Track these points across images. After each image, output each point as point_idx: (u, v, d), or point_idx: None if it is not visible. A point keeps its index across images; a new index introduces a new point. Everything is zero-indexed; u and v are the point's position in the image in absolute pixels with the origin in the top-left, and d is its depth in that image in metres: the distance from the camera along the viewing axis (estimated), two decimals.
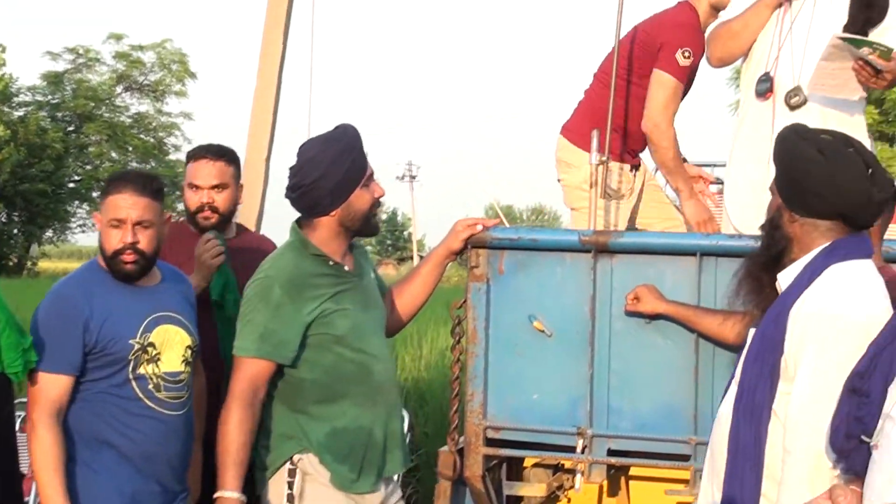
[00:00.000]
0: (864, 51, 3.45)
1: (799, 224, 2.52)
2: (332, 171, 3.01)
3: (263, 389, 2.96)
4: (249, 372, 2.94)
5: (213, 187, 3.51)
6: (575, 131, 4.16)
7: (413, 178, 57.63)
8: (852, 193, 2.46)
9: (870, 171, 2.48)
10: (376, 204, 3.12)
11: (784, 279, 2.53)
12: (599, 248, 3.22)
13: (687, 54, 3.99)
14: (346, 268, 3.11)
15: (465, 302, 3.35)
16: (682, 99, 4.08)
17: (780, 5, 3.76)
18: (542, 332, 3.26)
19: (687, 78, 4.04)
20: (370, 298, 3.15)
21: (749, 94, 3.80)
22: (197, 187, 3.52)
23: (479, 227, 3.30)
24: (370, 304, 3.14)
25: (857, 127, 3.64)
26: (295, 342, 2.97)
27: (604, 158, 3.63)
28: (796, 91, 3.69)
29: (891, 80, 3.53)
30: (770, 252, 2.56)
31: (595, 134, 3.58)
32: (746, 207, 3.70)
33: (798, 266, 2.51)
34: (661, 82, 4.00)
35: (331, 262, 3.08)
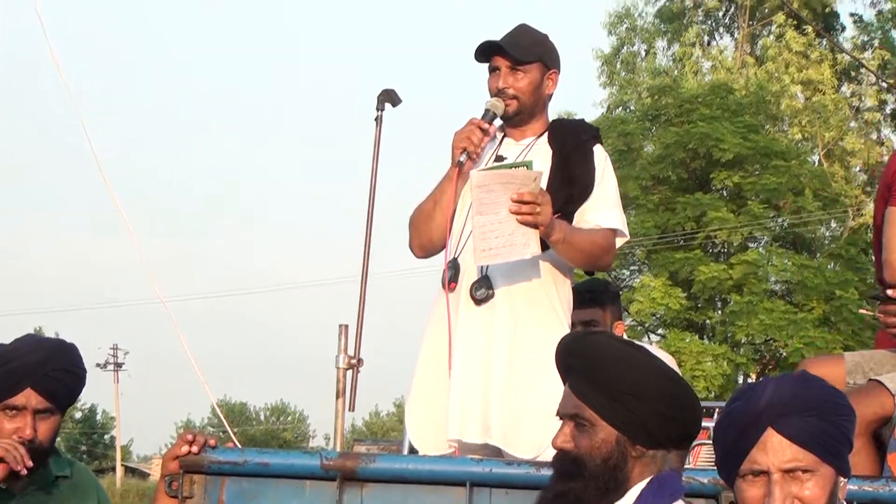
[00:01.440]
0: (518, 171, 3.60)
1: (646, 458, 2.53)
2: None
3: None
4: None
5: None
6: None
7: (119, 366, 55.95)
8: (698, 409, 2.55)
9: None
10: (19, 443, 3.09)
11: None
12: (346, 474, 3.21)
13: None
14: (4, 486, 3.10)
15: None
16: None
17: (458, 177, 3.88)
18: None
19: None
20: None
21: (440, 287, 3.89)
22: None
23: (185, 450, 3.25)
24: None
25: (558, 330, 3.63)
26: None
27: (353, 360, 3.69)
28: (481, 282, 3.79)
29: (549, 207, 3.62)
30: (609, 502, 2.52)
31: (342, 330, 3.66)
32: (429, 425, 3.81)
33: None
34: (890, 221, 3.97)
35: None
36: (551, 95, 3.99)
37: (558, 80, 3.99)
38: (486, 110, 3.90)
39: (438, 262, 3.91)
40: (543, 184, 3.74)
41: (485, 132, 3.87)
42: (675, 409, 2.50)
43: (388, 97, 4.10)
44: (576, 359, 2.60)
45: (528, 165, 3.65)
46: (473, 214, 3.63)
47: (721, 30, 34.76)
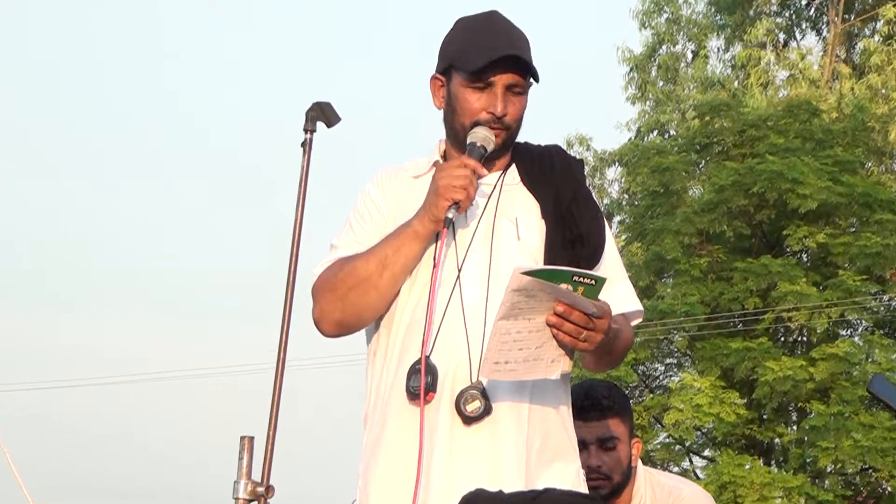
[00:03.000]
0: (563, 289, 3.76)
1: None
2: None
3: None
4: None
5: None
6: None
7: None
8: None
9: None
10: None
11: None
12: None
13: None
14: None
15: None
16: None
17: (437, 238, 4.00)
18: None
19: None
20: None
21: (393, 393, 3.99)
22: None
23: None
24: None
25: (572, 459, 4.03)
26: None
27: (260, 488, 3.74)
28: (473, 392, 3.92)
29: (603, 335, 3.84)
30: None
31: (246, 444, 3.68)
32: None
33: None
34: None
35: None
36: None
37: None
38: (474, 145, 4.02)
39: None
40: (538, 248, 4.02)
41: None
42: None
43: (322, 113, 4.18)
44: None
45: (597, 280, 3.78)
46: (498, 318, 3.77)
47: (804, 25, 35.18)
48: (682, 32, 34.62)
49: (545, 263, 3.95)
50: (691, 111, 31.46)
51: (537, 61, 4.14)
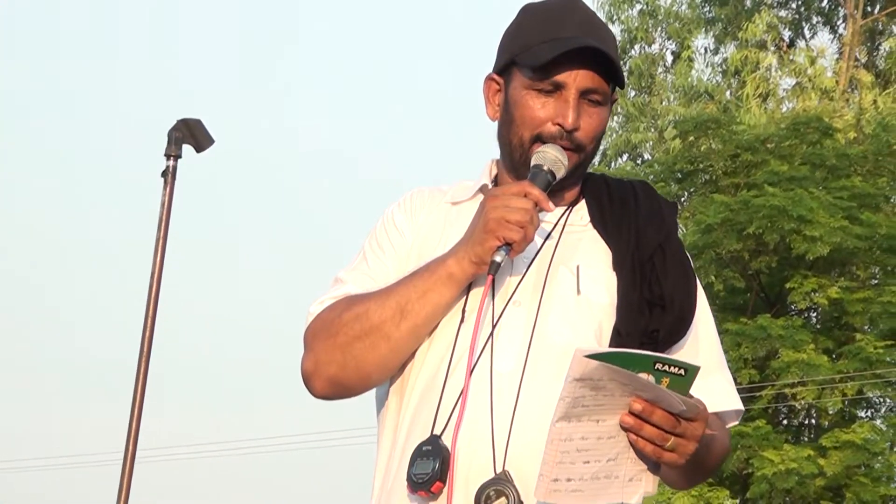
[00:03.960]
0: (643, 379, 3.65)
1: None
2: None
3: None
4: None
5: None
6: None
7: None
8: None
9: None
10: None
11: None
12: None
13: None
14: None
15: None
16: None
17: (470, 285, 3.98)
18: None
19: None
20: None
21: (398, 481, 3.94)
22: None
23: None
24: None
25: None
26: None
27: None
28: (498, 487, 3.85)
29: (697, 443, 3.76)
30: None
31: None
32: None
33: None
34: None
35: None
36: None
37: None
38: (539, 169, 4.00)
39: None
40: (603, 307, 3.98)
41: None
42: None
43: (190, 134, 4.23)
44: None
45: (688, 369, 3.67)
46: (555, 418, 3.71)
47: (814, 20, 35.45)
48: (659, 28, 35.02)
49: (617, 327, 3.95)
50: (671, 129, 31.82)
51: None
